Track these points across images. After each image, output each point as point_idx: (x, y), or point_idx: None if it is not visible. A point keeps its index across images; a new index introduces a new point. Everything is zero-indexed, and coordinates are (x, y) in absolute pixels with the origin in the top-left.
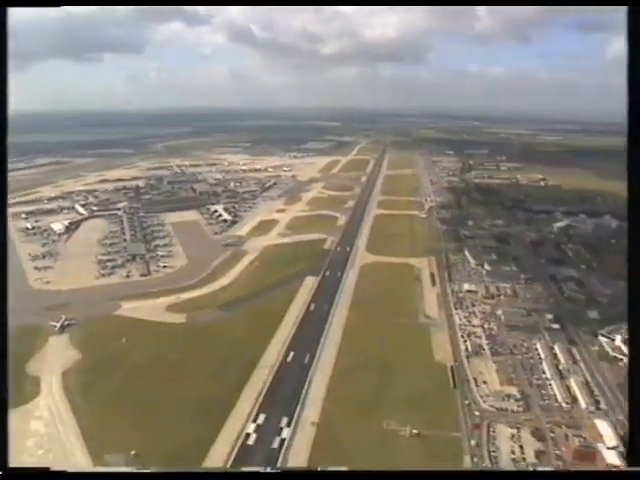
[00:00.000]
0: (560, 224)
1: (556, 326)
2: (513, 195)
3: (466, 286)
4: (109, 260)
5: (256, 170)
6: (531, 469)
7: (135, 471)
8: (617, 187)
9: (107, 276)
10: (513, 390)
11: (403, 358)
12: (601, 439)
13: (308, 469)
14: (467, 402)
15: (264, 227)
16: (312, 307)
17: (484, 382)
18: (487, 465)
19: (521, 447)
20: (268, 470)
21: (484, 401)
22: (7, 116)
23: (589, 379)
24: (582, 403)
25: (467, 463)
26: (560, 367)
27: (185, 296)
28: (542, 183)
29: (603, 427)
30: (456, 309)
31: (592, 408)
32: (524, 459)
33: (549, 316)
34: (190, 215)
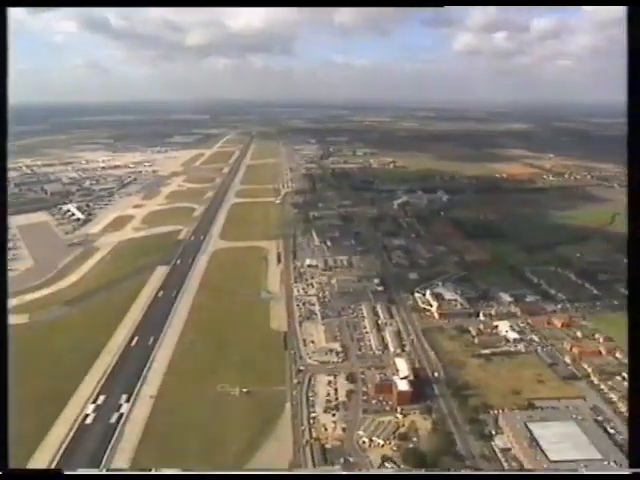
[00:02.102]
0: (399, 201)
1: (381, 288)
2: (363, 177)
3: (308, 261)
4: None
5: (115, 167)
6: (532, 472)
7: (135, 472)
8: (455, 167)
9: None
10: (336, 345)
11: (242, 330)
12: (397, 373)
13: (308, 470)
14: (294, 358)
15: (119, 223)
16: (160, 294)
17: (312, 341)
18: (304, 407)
19: (335, 390)
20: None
21: (310, 357)
22: (7, 115)
23: (401, 328)
24: (391, 348)
25: (287, 409)
26: (379, 322)
27: (29, 297)
28: (391, 166)
29: (400, 364)
30: (296, 282)
31: (398, 351)
32: (337, 399)
33: (376, 280)
34: (39, 216)
